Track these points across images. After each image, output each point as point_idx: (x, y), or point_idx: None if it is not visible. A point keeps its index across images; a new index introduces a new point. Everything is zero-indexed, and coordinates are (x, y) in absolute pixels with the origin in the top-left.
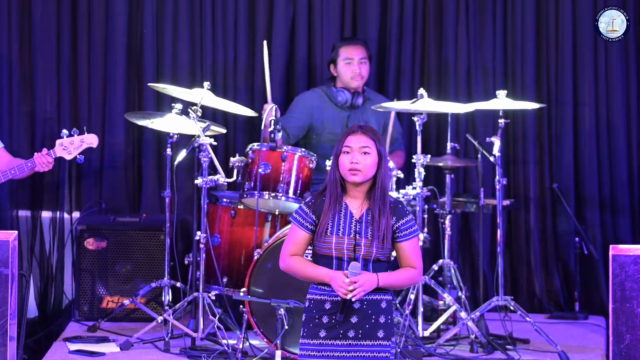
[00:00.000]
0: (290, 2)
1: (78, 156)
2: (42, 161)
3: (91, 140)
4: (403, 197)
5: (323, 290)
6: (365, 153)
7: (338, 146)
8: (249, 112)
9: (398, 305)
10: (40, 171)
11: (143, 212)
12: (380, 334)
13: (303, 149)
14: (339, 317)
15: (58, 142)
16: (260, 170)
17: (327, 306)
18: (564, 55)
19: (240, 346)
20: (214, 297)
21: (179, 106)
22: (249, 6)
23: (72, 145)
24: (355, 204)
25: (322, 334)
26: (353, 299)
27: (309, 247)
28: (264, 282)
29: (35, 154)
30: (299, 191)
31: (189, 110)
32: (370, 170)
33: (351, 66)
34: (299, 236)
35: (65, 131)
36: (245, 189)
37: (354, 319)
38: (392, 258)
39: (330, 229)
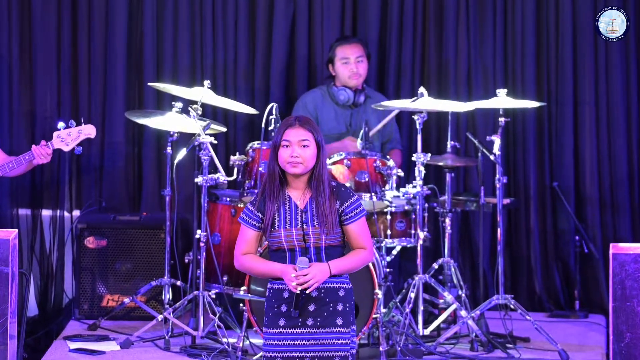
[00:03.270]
0: (290, 1)
1: (76, 147)
2: (41, 152)
3: (89, 130)
4: (403, 196)
5: (281, 279)
6: (304, 146)
7: (276, 139)
8: (249, 111)
9: (398, 303)
10: (39, 163)
11: (143, 211)
12: (339, 321)
13: None
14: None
15: (55, 134)
16: (260, 168)
17: (286, 295)
18: (564, 54)
19: (241, 345)
20: (214, 296)
21: (179, 105)
22: (249, 5)
23: (70, 136)
24: (298, 195)
25: (282, 322)
26: (307, 292)
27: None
28: (264, 280)
29: (33, 146)
30: None
31: (190, 108)
32: (311, 161)
33: (348, 65)
34: (249, 235)
35: (61, 123)
36: (246, 188)
37: (311, 307)
38: None
39: (277, 223)
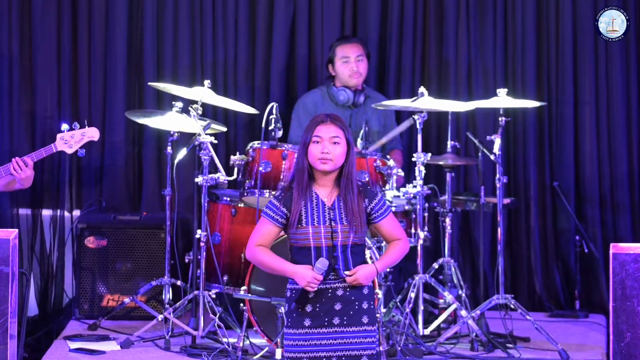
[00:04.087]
0: (290, 1)
1: (79, 150)
2: (17, 165)
3: (92, 133)
4: (403, 196)
5: None
6: (335, 143)
7: (307, 135)
8: (249, 110)
9: (398, 303)
10: (17, 177)
11: (143, 211)
12: (365, 319)
13: None
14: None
15: (59, 136)
16: (260, 168)
17: (311, 295)
18: (564, 54)
19: (241, 344)
20: (214, 296)
21: (179, 104)
22: (249, 5)
23: (73, 139)
24: (325, 192)
25: (307, 322)
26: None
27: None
28: (264, 280)
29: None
30: None
31: (190, 108)
32: (340, 159)
33: (348, 64)
34: (269, 229)
35: (65, 125)
36: (246, 187)
37: (337, 306)
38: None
39: (304, 220)
